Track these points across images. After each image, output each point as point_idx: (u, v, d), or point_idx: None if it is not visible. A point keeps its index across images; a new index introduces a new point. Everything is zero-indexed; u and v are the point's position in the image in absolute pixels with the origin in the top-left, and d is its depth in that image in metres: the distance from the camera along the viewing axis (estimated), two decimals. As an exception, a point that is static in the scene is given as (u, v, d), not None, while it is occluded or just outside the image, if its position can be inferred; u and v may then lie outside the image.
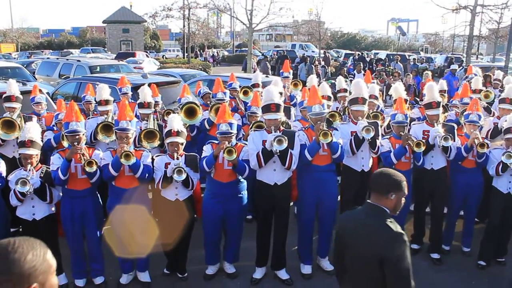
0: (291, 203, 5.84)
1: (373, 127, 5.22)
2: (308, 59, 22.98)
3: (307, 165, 5.17)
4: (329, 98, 7.19)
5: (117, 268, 5.30)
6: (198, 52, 39.96)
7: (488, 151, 5.52)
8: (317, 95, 5.27)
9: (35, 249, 1.62)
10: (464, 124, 5.86)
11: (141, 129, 5.89)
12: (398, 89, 6.72)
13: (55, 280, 1.71)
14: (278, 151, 4.74)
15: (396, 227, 2.83)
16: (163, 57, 40.01)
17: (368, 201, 3.02)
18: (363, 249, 2.87)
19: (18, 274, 1.57)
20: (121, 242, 5.04)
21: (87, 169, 4.66)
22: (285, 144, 4.71)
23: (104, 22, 49.64)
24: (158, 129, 5.95)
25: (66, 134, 4.91)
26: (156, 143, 5.72)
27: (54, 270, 1.68)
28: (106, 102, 6.57)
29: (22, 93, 6.63)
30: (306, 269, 5.45)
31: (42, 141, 5.84)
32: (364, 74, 13.98)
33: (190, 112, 6.60)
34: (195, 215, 5.41)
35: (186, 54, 33.66)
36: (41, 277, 1.62)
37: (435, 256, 5.85)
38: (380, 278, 2.80)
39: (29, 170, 4.59)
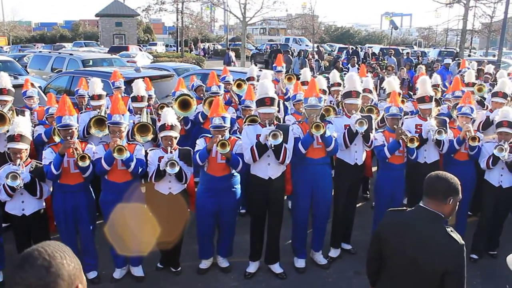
0: (285, 197, 5.84)
1: (366, 120, 5.22)
2: (302, 53, 22.94)
3: (301, 158, 5.17)
4: (324, 92, 7.18)
5: (110, 262, 5.29)
6: (193, 46, 39.78)
7: (480, 144, 5.54)
8: (315, 88, 5.27)
9: (64, 251, 1.58)
10: (457, 116, 5.88)
11: (134, 123, 5.86)
12: (391, 83, 6.72)
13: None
14: (273, 146, 4.73)
15: (459, 238, 2.75)
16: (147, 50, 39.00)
17: (421, 205, 2.87)
18: (424, 259, 2.73)
19: (67, 277, 1.53)
20: (122, 240, 5.04)
21: (80, 163, 4.63)
22: (280, 139, 4.70)
23: (97, 15, 49.18)
24: (151, 123, 5.92)
25: (58, 128, 4.87)
26: (149, 136, 5.69)
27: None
28: (99, 97, 6.52)
29: (14, 87, 6.56)
30: (300, 263, 5.46)
31: (33, 135, 5.83)
32: (358, 68, 13.98)
33: (184, 104, 6.58)
34: (189, 209, 5.40)
35: (179, 48, 33.50)
36: (80, 276, 1.59)
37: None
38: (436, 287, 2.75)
39: (19, 164, 4.54)
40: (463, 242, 2.77)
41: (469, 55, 30.46)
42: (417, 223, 2.83)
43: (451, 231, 2.78)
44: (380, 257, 3.01)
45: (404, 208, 3.00)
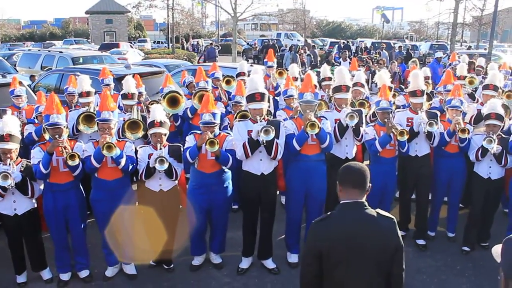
0: (278, 193, 5.83)
1: (356, 113, 5.21)
2: (293, 47, 22.93)
3: (295, 154, 5.15)
4: (315, 87, 7.17)
5: (102, 261, 5.27)
6: (185, 42, 39.63)
7: (470, 136, 5.55)
8: (311, 83, 5.25)
9: None
10: (447, 109, 5.88)
11: (124, 120, 5.81)
12: (382, 77, 6.71)
13: None
14: (265, 141, 4.71)
15: (387, 213, 2.86)
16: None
17: (342, 202, 2.85)
18: (373, 249, 2.73)
19: None
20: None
21: (70, 162, 4.58)
22: (272, 134, 4.68)
23: (87, 12, 48.90)
24: (141, 120, 5.88)
25: (46, 126, 4.81)
26: (140, 133, 5.66)
27: None
28: (87, 94, 6.46)
29: (2, 85, 6.49)
30: (293, 258, 5.46)
31: (22, 134, 5.77)
32: (350, 62, 13.98)
33: (173, 101, 6.54)
34: (180, 206, 5.38)
35: (171, 45, 33.39)
36: None
37: (421, 242, 5.90)
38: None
39: (9, 164, 4.48)
40: (392, 216, 2.86)
41: (470, 47, 30.44)
42: (348, 219, 2.80)
43: (379, 210, 2.84)
44: (318, 277, 2.85)
45: (327, 214, 2.91)
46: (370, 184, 2.87)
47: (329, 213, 2.89)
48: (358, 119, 5.23)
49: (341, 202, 2.86)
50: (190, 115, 6.87)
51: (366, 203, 2.83)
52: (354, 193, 2.82)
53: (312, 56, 22.54)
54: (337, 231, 2.78)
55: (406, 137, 5.33)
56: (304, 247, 3.10)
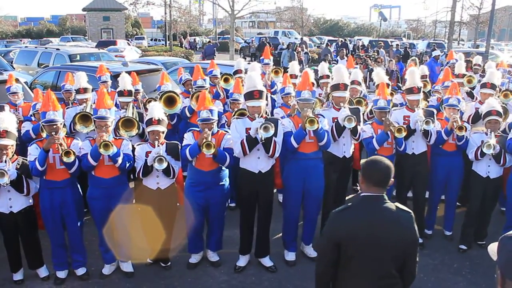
0: (275, 190, 5.83)
1: (355, 117, 5.21)
2: (290, 45, 22.92)
3: (293, 152, 5.14)
4: (312, 85, 7.16)
5: (99, 258, 5.26)
6: (183, 40, 39.53)
7: (468, 134, 5.56)
8: (308, 81, 5.23)
9: None
10: (444, 108, 5.89)
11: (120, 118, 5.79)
12: (379, 74, 6.70)
13: None
14: (263, 139, 4.70)
15: (405, 207, 2.94)
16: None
17: (362, 194, 2.91)
18: (390, 240, 2.80)
19: None
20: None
21: (65, 159, 4.56)
22: (271, 131, 4.67)
23: (84, 9, 48.72)
24: (137, 118, 5.86)
25: (43, 124, 4.80)
26: (134, 131, 5.63)
27: None
28: (85, 90, 6.44)
29: (-2, 82, 6.47)
30: (290, 256, 5.46)
31: (20, 132, 5.75)
32: (347, 60, 13.96)
33: (170, 101, 6.52)
34: (178, 204, 5.37)
35: (168, 42, 33.33)
36: None
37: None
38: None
39: (5, 161, 4.46)
40: (410, 210, 2.93)
41: (478, 46, 30.28)
42: (367, 211, 2.86)
43: (398, 204, 2.91)
44: (334, 266, 2.92)
45: (347, 205, 2.97)
46: (393, 180, 2.92)
47: (349, 204, 2.97)
48: (355, 122, 5.23)
49: (361, 194, 2.92)
50: (188, 115, 6.84)
51: (385, 197, 2.88)
52: (375, 189, 2.88)
53: (309, 54, 22.53)
54: (356, 223, 2.84)
55: (404, 134, 5.33)
56: (321, 236, 3.17)
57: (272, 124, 4.69)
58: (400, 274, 2.91)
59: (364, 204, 2.90)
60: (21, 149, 5.57)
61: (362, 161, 3.07)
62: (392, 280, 2.89)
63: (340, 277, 2.95)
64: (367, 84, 11.47)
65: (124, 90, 6.31)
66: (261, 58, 9.12)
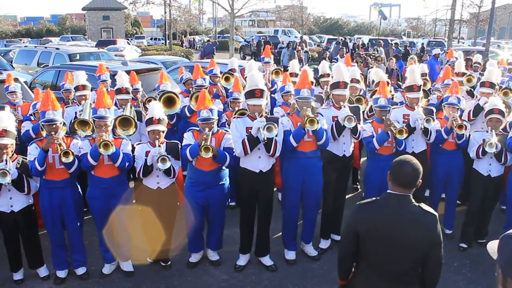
0: (275, 189, 5.81)
1: (355, 117, 5.20)
2: (290, 44, 22.91)
3: (292, 151, 5.13)
4: (311, 83, 7.14)
5: (99, 258, 5.26)
6: (184, 39, 39.52)
7: (469, 133, 5.55)
8: (307, 79, 5.21)
9: None
10: (444, 106, 5.88)
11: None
12: (378, 73, 6.71)
13: None
14: (266, 139, 4.69)
15: (431, 209, 2.93)
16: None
17: (389, 191, 2.94)
18: (410, 239, 2.82)
19: None
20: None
21: (63, 159, 4.55)
22: (275, 132, 4.66)
23: (83, 9, 48.68)
24: (135, 116, 5.85)
25: (42, 123, 4.79)
26: (131, 130, 5.61)
27: None
28: (83, 87, 6.44)
29: (-1, 82, 6.46)
30: (290, 255, 5.45)
31: (19, 131, 5.74)
32: (345, 59, 13.94)
33: (169, 101, 6.51)
34: (178, 203, 5.36)
35: (168, 41, 33.31)
36: None
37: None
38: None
39: (5, 160, 4.45)
40: (435, 212, 2.93)
41: (475, 44, 30.13)
42: (391, 209, 2.90)
43: (422, 205, 2.92)
44: (354, 254, 3.02)
45: (374, 198, 3.02)
46: (420, 181, 2.94)
47: (375, 198, 3.00)
48: (355, 122, 5.22)
49: (388, 191, 2.94)
50: (188, 114, 6.83)
51: (411, 197, 2.90)
52: (401, 190, 2.90)
53: (309, 52, 22.52)
54: (376, 218, 2.89)
55: (405, 135, 5.32)
56: (344, 225, 3.24)
57: (275, 125, 4.68)
58: (420, 274, 2.94)
59: (388, 201, 2.93)
60: (21, 149, 5.56)
61: (395, 159, 3.08)
62: (408, 279, 2.91)
63: (359, 266, 3.05)
64: (367, 83, 11.45)
65: (122, 87, 6.30)
66: (261, 56, 9.11)
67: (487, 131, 5.43)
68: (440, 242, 2.89)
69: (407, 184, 2.89)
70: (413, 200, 2.90)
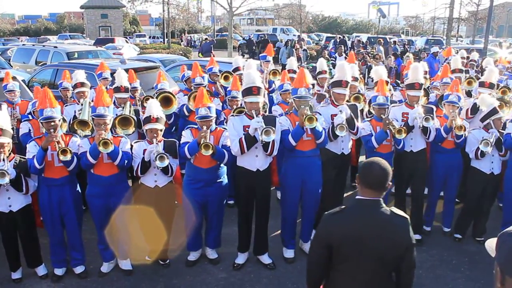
0: (272, 188, 5.81)
1: (346, 126, 5.17)
2: (289, 42, 22.90)
3: (291, 150, 5.13)
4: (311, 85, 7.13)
5: (97, 256, 5.25)
6: (183, 37, 39.49)
7: (467, 132, 5.56)
8: (304, 78, 5.19)
9: None
10: (444, 104, 5.87)
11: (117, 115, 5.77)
12: (378, 71, 6.69)
13: None
14: (264, 141, 4.68)
15: (402, 212, 2.85)
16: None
17: (358, 197, 2.84)
18: (385, 244, 2.74)
19: None
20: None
21: (61, 157, 4.54)
22: (273, 136, 4.65)
23: (82, 7, 48.64)
24: (134, 115, 5.83)
25: (41, 121, 4.78)
26: (131, 129, 5.61)
27: None
28: (82, 84, 6.43)
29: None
30: (289, 253, 5.46)
31: (18, 131, 5.72)
32: (345, 57, 13.93)
33: (165, 101, 6.50)
34: (176, 201, 5.36)
35: (166, 40, 33.26)
36: None
37: (417, 237, 5.88)
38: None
39: (3, 159, 4.44)
40: (406, 215, 2.84)
41: (501, 43, 29.95)
42: (361, 216, 2.80)
43: (394, 209, 2.84)
44: (324, 265, 2.89)
45: (343, 206, 2.90)
46: (390, 183, 2.85)
47: (343, 206, 2.89)
48: (347, 132, 5.23)
49: (357, 197, 2.85)
50: (186, 113, 6.81)
51: (381, 201, 2.81)
52: (370, 193, 2.80)
53: (307, 51, 22.51)
54: (349, 227, 2.78)
55: (403, 135, 5.32)
56: (314, 235, 3.11)
57: (274, 128, 4.67)
58: (395, 278, 2.89)
59: (357, 208, 2.84)
60: (19, 148, 5.53)
61: (361, 158, 3.01)
62: (385, 284, 2.86)
63: (331, 277, 2.92)
64: (366, 81, 11.45)
65: (121, 86, 6.29)
66: (262, 54, 9.06)
67: (488, 130, 5.47)
68: (413, 245, 2.80)
69: (377, 184, 2.77)
70: (384, 204, 2.81)
